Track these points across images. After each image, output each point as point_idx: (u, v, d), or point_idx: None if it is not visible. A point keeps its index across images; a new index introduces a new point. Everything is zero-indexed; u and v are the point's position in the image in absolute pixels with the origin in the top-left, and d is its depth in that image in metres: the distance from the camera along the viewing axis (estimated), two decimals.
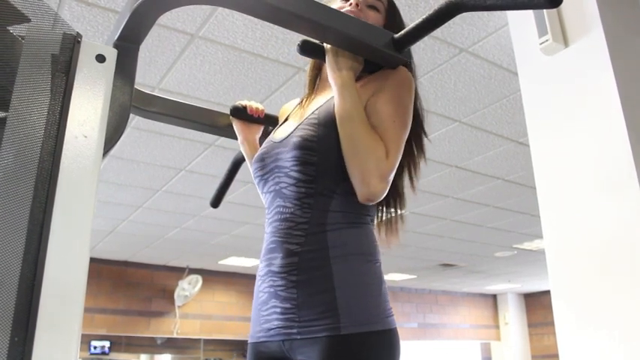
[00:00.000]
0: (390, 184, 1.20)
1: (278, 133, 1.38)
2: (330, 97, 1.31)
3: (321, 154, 1.22)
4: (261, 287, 1.24)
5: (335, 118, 1.23)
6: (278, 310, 1.18)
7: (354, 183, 1.18)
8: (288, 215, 1.22)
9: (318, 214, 1.20)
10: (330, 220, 1.20)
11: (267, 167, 1.32)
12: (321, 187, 1.21)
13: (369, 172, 1.16)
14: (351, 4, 1.35)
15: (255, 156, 1.38)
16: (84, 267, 0.77)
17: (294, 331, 1.14)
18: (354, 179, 1.18)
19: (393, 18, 1.42)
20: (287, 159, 1.26)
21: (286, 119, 1.48)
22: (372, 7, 1.38)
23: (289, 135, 1.30)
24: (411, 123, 1.27)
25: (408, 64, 1.35)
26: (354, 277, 1.17)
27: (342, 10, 1.31)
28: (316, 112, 1.29)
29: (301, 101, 1.46)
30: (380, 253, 1.25)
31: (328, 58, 1.24)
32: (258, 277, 1.27)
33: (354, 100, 1.22)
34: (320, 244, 1.17)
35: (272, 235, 1.24)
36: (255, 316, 1.25)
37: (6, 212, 0.73)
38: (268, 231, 1.27)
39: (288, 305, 1.16)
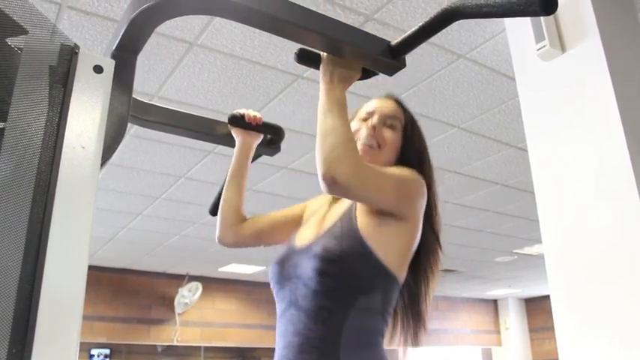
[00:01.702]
0: (356, 185, 1.17)
1: (299, 239, 1.37)
2: (351, 202, 1.31)
3: (342, 267, 1.19)
4: None
5: (358, 230, 1.23)
6: None
7: (318, 165, 1.15)
8: (301, 328, 1.19)
9: (332, 331, 1.17)
10: (344, 339, 1.16)
11: (284, 273, 1.30)
12: (339, 302, 1.19)
13: (337, 155, 1.14)
14: (367, 128, 1.38)
15: (275, 259, 1.37)
16: (82, 277, 0.77)
17: None
18: (319, 162, 1.15)
19: (410, 133, 1.44)
20: (306, 268, 1.23)
21: (308, 220, 1.47)
22: (390, 126, 1.41)
23: (311, 243, 1.28)
24: (400, 195, 1.26)
25: (428, 173, 1.39)
26: None
27: (358, 133, 1.37)
28: (339, 222, 1.28)
29: (324, 202, 1.46)
30: None
31: (322, 67, 1.24)
32: None
33: (341, 105, 1.22)
34: None
35: (284, 348, 1.22)
36: None
37: (4, 223, 0.73)
38: (280, 344, 1.24)
39: None
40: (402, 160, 1.40)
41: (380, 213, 1.25)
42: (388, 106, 1.44)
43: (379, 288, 1.22)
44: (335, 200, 1.43)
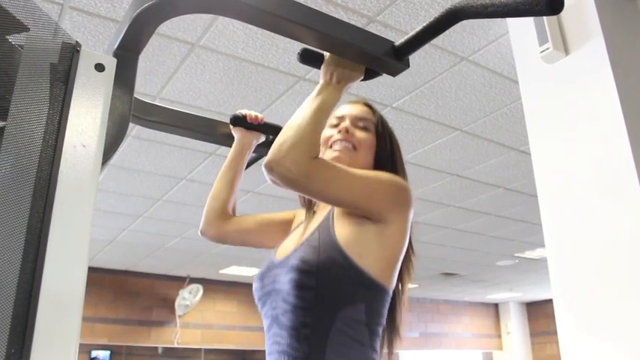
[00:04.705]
0: (301, 183, 1.14)
1: (279, 252, 1.34)
2: (329, 211, 1.29)
3: (321, 278, 1.14)
4: None
5: (335, 239, 1.20)
6: None
7: (272, 148, 1.14)
8: (285, 347, 1.15)
9: (316, 349, 1.11)
10: (329, 357, 1.11)
11: (265, 288, 1.27)
12: (320, 315, 1.13)
13: (286, 148, 1.12)
14: (340, 132, 1.37)
15: (257, 274, 1.34)
16: (82, 277, 0.76)
17: None
18: (274, 145, 1.14)
19: (382, 133, 1.42)
20: (284, 282, 1.19)
21: (292, 231, 1.45)
22: (362, 128, 1.39)
23: (289, 255, 1.25)
24: (375, 196, 1.22)
25: (401, 172, 1.38)
26: None
27: (331, 139, 1.36)
28: (316, 232, 1.25)
29: (306, 215, 1.43)
30: None
31: (324, 67, 1.24)
32: None
33: (324, 105, 1.20)
34: None
35: None
36: None
37: (3, 222, 0.72)
38: None
39: None
40: (376, 160, 1.38)
41: (356, 217, 1.22)
42: (357, 108, 1.43)
43: (362, 298, 1.16)
44: (319, 209, 1.40)
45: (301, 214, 1.49)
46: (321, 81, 1.24)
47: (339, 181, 1.18)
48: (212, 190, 1.60)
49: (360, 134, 1.38)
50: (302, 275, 1.15)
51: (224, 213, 1.57)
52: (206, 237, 1.59)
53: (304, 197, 1.45)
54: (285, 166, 1.11)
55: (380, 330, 1.21)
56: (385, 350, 1.29)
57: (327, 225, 1.25)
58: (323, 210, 1.35)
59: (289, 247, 1.30)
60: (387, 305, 1.23)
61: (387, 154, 1.39)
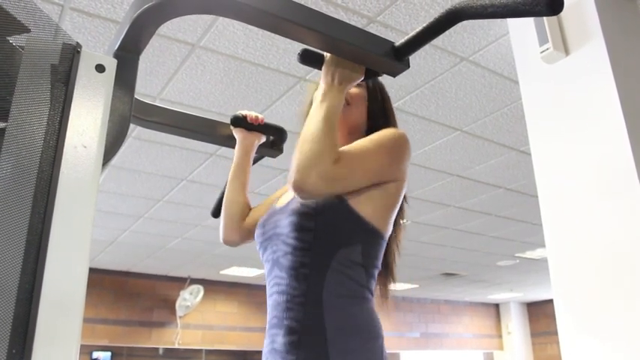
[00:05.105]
0: (331, 189, 1.17)
1: (280, 201, 1.39)
2: None
3: (319, 220, 1.20)
4: None
5: None
6: None
7: (290, 170, 1.15)
8: (284, 287, 1.20)
9: (314, 287, 1.17)
10: (326, 295, 1.17)
11: (266, 234, 1.32)
12: (318, 256, 1.19)
13: (309, 165, 1.13)
14: None
15: (259, 222, 1.40)
16: (83, 278, 0.76)
17: None
18: (292, 166, 1.15)
19: (372, 87, 1.46)
20: (284, 225, 1.25)
21: None
22: None
23: (289, 201, 1.30)
24: (384, 166, 1.26)
25: (394, 123, 1.43)
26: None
27: None
28: None
29: None
30: (382, 328, 1.22)
31: (324, 68, 1.24)
32: (263, 354, 1.25)
33: (332, 109, 1.21)
34: (317, 323, 1.15)
35: (273, 308, 1.23)
36: None
37: (5, 222, 0.72)
38: (269, 303, 1.25)
39: None
40: (369, 112, 1.43)
41: None
42: None
43: (359, 241, 1.22)
44: None
45: None
46: (323, 84, 1.24)
47: (356, 170, 1.21)
48: (226, 198, 1.60)
49: (351, 89, 1.41)
50: (301, 218, 1.21)
51: (244, 213, 1.59)
52: (229, 244, 1.61)
53: None
54: (312, 183, 1.13)
55: (375, 273, 1.26)
56: (379, 292, 1.35)
57: None
58: None
59: (290, 194, 1.34)
60: (383, 249, 1.28)
61: (378, 106, 1.44)
